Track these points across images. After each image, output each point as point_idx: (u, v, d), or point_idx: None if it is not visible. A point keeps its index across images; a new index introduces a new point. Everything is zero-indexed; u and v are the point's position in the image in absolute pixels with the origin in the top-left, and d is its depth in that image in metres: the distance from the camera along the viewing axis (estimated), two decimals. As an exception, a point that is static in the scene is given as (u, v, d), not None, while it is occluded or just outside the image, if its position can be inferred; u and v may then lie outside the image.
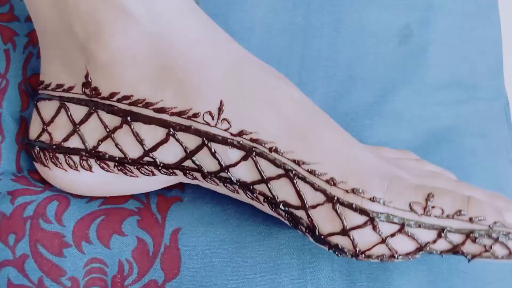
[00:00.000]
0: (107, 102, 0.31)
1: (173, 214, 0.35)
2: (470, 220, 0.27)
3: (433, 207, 0.28)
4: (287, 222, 0.31)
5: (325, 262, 0.34)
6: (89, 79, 0.31)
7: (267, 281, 0.33)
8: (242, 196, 0.32)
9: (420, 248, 0.28)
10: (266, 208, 0.31)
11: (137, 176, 0.32)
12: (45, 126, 0.33)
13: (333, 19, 0.39)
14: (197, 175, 0.31)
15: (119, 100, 0.31)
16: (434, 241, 0.28)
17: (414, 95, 0.38)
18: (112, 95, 0.31)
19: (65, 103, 0.32)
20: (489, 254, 0.27)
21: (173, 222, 0.34)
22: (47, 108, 0.33)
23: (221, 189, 0.32)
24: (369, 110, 0.38)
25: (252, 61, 0.31)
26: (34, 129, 0.34)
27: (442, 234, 0.28)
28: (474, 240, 0.27)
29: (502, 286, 0.34)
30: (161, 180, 0.33)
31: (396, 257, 0.28)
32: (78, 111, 0.32)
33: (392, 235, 0.28)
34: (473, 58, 0.39)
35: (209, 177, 0.31)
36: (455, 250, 0.28)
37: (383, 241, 0.28)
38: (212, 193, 0.35)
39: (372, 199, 0.28)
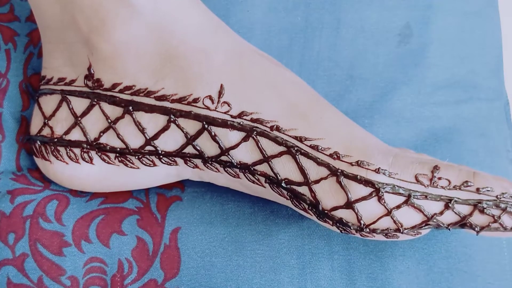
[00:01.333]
0: (109, 93, 0.31)
1: (173, 213, 0.35)
2: (477, 190, 0.27)
3: (439, 178, 0.27)
4: (289, 202, 0.30)
5: (325, 261, 0.34)
6: (92, 71, 0.31)
7: (266, 281, 0.33)
8: (242, 181, 0.31)
9: (426, 220, 0.28)
10: (266, 192, 0.31)
11: (138, 168, 0.32)
12: (46, 120, 0.33)
13: (333, 19, 0.39)
14: (198, 161, 0.31)
15: (121, 91, 0.31)
16: (441, 213, 0.28)
17: (414, 94, 0.38)
18: (114, 86, 0.31)
19: (67, 96, 0.33)
20: (498, 224, 0.27)
21: (172, 222, 0.34)
22: (49, 102, 0.33)
23: (221, 177, 0.32)
24: (369, 109, 0.38)
25: (252, 49, 0.32)
26: (35, 124, 0.34)
27: (450, 205, 0.27)
28: (482, 211, 0.27)
29: (503, 286, 0.34)
30: (161, 173, 0.33)
31: (401, 230, 0.28)
32: (79, 104, 0.32)
33: (398, 206, 0.28)
34: (473, 58, 0.39)
35: (209, 162, 0.31)
36: (462, 222, 0.28)
37: (389, 213, 0.28)
38: (212, 193, 0.35)
39: (377, 171, 0.28)
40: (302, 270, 0.33)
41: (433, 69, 0.38)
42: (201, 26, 0.31)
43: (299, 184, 0.29)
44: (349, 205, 0.28)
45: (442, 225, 0.28)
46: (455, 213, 0.28)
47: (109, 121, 0.32)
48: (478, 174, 0.28)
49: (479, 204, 0.27)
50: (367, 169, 0.28)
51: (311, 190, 0.29)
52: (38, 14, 0.32)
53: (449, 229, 0.28)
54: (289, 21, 0.39)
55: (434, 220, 0.28)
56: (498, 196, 0.27)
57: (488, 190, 0.27)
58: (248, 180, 0.31)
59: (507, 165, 0.38)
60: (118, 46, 0.30)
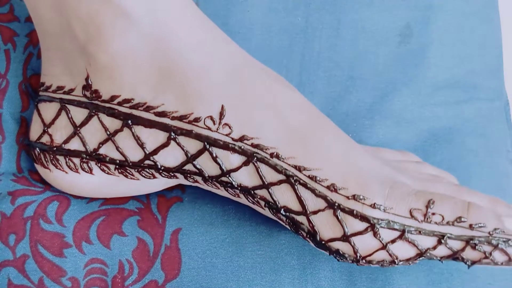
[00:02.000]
0: (107, 105, 0.31)
1: (174, 214, 0.35)
2: (470, 226, 0.28)
3: (433, 213, 0.28)
4: (287, 226, 0.31)
5: (325, 262, 0.34)
6: (90, 81, 0.31)
7: (267, 282, 0.33)
8: (242, 200, 0.32)
9: (420, 254, 0.28)
10: (267, 212, 0.31)
11: (138, 179, 0.32)
12: (45, 128, 0.33)
13: (333, 19, 0.39)
14: (198, 178, 0.31)
15: (119, 103, 0.31)
16: (434, 247, 0.28)
17: (414, 95, 0.38)
18: (113, 98, 0.31)
19: (66, 105, 0.32)
20: (489, 260, 0.28)
21: (173, 223, 0.34)
22: (48, 109, 0.33)
23: (221, 192, 0.32)
24: (369, 110, 0.38)
25: (252, 64, 0.31)
26: (35, 130, 0.34)
27: (442, 241, 0.28)
28: (474, 247, 0.28)
29: (502, 287, 0.34)
30: (161, 182, 0.33)
31: (396, 262, 0.28)
32: (78, 114, 0.32)
33: (393, 241, 0.28)
34: (473, 58, 0.39)
35: (210, 181, 0.31)
36: (455, 256, 0.28)
37: (384, 247, 0.28)
38: (213, 194, 0.35)
39: (373, 206, 0.28)
40: (303, 271, 0.33)
41: (433, 69, 0.38)
42: (201, 40, 0.30)
43: (298, 213, 0.29)
44: (345, 238, 0.28)
45: (434, 258, 0.28)
46: (448, 248, 0.28)
47: (108, 133, 0.31)
48: (472, 207, 0.28)
49: (471, 241, 0.28)
50: (363, 203, 0.28)
51: (309, 221, 0.29)
52: (36, 19, 0.32)
53: (442, 262, 0.29)
54: (289, 22, 0.39)
55: (427, 254, 0.28)
56: (491, 232, 0.27)
57: (481, 226, 0.28)
58: (248, 201, 0.31)
59: (507, 165, 0.38)
60: (115, 57, 0.29)
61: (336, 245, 0.29)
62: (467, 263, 0.28)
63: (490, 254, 0.27)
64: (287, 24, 0.39)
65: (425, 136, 0.37)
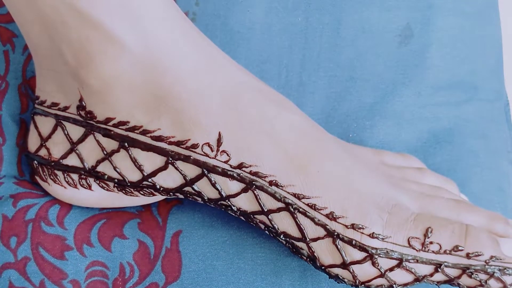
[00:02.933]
0: (103, 126, 0.30)
1: (174, 216, 0.35)
2: (467, 255, 0.28)
3: (431, 242, 0.28)
4: (288, 248, 0.31)
5: (326, 264, 0.34)
6: (83, 103, 0.30)
7: (268, 284, 0.33)
8: (244, 220, 0.32)
9: (417, 280, 0.29)
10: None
11: (138, 196, 0.32)
12: (43, 142, 0.33)
13: (334, 20, 0.39)
14: (198, 199, 0.31)
15: (115, 125, 0.30)
16: (431, 275, 0.28)
17: (414, 96, 0.38)
18: (108, 120, 0.30)
19: (61, 121, 0.32)
20: None
21: (174, 225, 0.35)
22: (44, 123, 0.33)
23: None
24: (369, 111, 0.38)
25: (250, 86, 0.30)
26: (32, 143, 0.34)
27: (439, 269, 0.28)
28: (470, 276, 0.28)
29: None
30: (160, 197, 0.33)
31: (395, 287, 0.29)
32: (75, 130, 0.32)
33: (391, 269, 0.28)
34: (473, 58, 0.39)
35: (209, 203, 0.31)
36: (451, 282, 0.29)
37: (382, 275, 0.29)
38: (213, 196, 0.35)
39: (371, 235, 0.28)
40: (303, 273, 0.34)
41: (433, 70, 0.38)
42: (197, 65, 0.29)
43: (297, 239, 0.30)
44: (345, 266, 0.29)
45: (431, 283, 0.29)
46: (445, 275, 0.28)
47: (105, 152, 0.31)
48: (470, 234, 0.28)
49: (468, 270, 0.28)
50: (362, 233, 0.28)
51: (309, 247, 0.29)
52: (27, 39, 0.31)
53: (438, 286, 0.30)
54: (290, 22, 0.39)
55: (425, 280, 0.29)
56: (487, 261, 0.28)
57: (478, 255, 0.28)
58: (249, 222, 0.31)
59: (507, 165, 0.38)
60: (108, 82, 0.29)
61: (335, 271, 0.29)
62: None
63: (486, 282, 0.28)
64: (287, 24, 0.39)
65: (426, 136, 0.37)
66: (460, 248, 0.28)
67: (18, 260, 0.33)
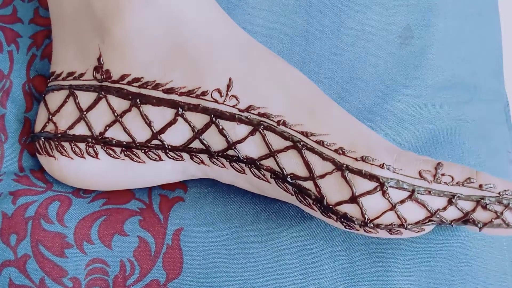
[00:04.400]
0: (117, 85, 0.32)
1: (175, 214, 0.35)
2: (480, 187, 0.28)
3: (442, 174, 0.28)
4: (293, 197, 0.31)
5: (327, 262, 0.34)
6: (102, 61, 0.32)
7: (268, 281, 0.33)
8: (248, 177, 0.32)
9: (430, 216, 0.28)
10: (271, 188, 0.31)
11: (144, 162, 0.32)
12: (50, 116, 0.33)
13: (334, 22, 0.39)
14: (204, 157, 0.31)
15: (129, 83, 0.31)
16: (445, 208, 0.28)
17: (414, 96, 0.38)
18: (123, 77, 0.31)
19: (74, 91, 0.33)
20: (500, 220, 0.28)
21: (175, 222, 0.35)
22: (55, 98, 0.34)
23: (226, 173, 0.32)
24: (370, 112, 0.38)
25: (259, 45, 0.32)
26: (40, 121, 0.34)
27: (453, 201, 0.28)
28: (484, 207, 0.28)
29: (503, 287, 0.34)
30: (166, 170, 0.33)
31: (405, 226, 0.28)
32: (86, 98, 0.33)
33: (402, 201, 0.28)
34: (473, 59, 0.39)
35: (215, 157, 0.31)
36: (465, 218, 0.28)
37: (393, 207, 0.28)
38: (214, 194, 0.35)
39: (382, 166, 0.28)
40: (304, 270, 0.33)
41: (433, 70, 0.38)
42: (212, 20, 0.31)
43: (305, 179, 0.29)
44: (353, 199, 0.28)
45: (445, 221, 0.28)
46: (458, 209, 0.28)
47: (116, 114, 0.32)
48: (481, 172, 0.28)
49: (482, 200, 0.28)
50: (372, 164, 0.28)
51: (316, 185, 0.29)
52: (52, 4, 0.33)
53: (452, 225, 0.29)
54: (290, 24, 0.39)
55: (438, 216, 0.28)
56: (501, 193, 0.28)
57: (491, 187, 0.28)
58: (254, 175, 0.31)
59: (507, 166, 0.38)
60: (130, 33, 0.31)
61: (343, 208, 0.29)
62: (479, 225, 0.28)
63: (502, 213, 0.27)
64: (288, 27, 0.40)
65: (426, 137, 0.38)
66: (472, 180, 0.28)
67: (18, 258, 0.33)
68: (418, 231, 0.29)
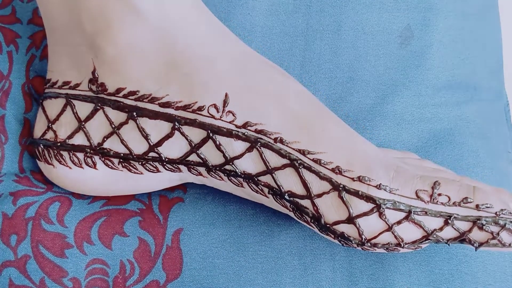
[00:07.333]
0: (113, 98, 0.31)
1: (175, 214, 0.35)
2: (477, 207, 0.28)
3: (439, 194, 0.28)
4: (291, 213, 0.31)
5: (326, 263, 0.34)
6: (96, 75, 0.31)
7: (268, 282, 0.33)
8: (246, 190, 0.32)
9: (426, 236, 0.28)
10: (269, 202, 0.31)
11: (142, 173, 0.32)
12: (50, 124, 0.33)
13: (334, 22, 0.39)
14: (202, 169, 0.31)
15: (125, 96, 0.31)
16: (441, 229, 0.28)
17: (414, 96, 0.38)
18: (118, 90, 0.31)
19: (71, 100, 0.33)
20: (496, 241, 0.28)
21: (175, 223, 0.35)
22: (53, 106, 0.33)
23: (224, 185, 0.32)
24: (370, 111, 0.38)
25: (256, 57, 0.32)
26: (39, 128, 0.34)
27: (449, 221, 0.28)
28: (481, 227, 0.27)
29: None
30: (165, 178, 0.33)
31: (402, 245, 0.28)
32: (83, 108, 0.32)
33: (399, 222, 0.28)
34: (473, 59, 0.39)
35: (213, 171, 0.31)
36: (462, 237, 0.28)
37: (389, 228, 0.28)
38: (214, 194, 0.35)
39: (378, 187, 0.28)
40: (304, 271, 0.34)
41: (433, 70, 0.38)
42: (207, 34, 0.31)
43: (302, 197, 0.29)
44: (350, 220, 0.28)
45: (441, 240, 0.28)
46: (455, 229, 0.28)
47: (113, 126, 0.32)
48: (478, 190, 0.28)
49: (478, 221, 0.28)
50: (369, 184, 0.28)
51: (313, 204, 0.29)
52: (45, 14, 0.32)
53: (449, 245, 0.29)
54: (290, 24, 0.39)
55: (434, 236, 0.28)
56: (497, 213, 0.27)
57: (488, 207, 0.28)
58: (252, 189, 0.31)
59: (507, 166, 0.38)
60: (122, 49, 0.30)
61: (341, 228, 0.29)
62: (475, 244, 0.28)
63: (498, 234, 0.27)
64: (288, 27, 0.39)
65: (426, 137, 0.38)
66: (469, 200, 0.28)
67: (18, 258, 0.33)
68: (415, 248, 0.29)
